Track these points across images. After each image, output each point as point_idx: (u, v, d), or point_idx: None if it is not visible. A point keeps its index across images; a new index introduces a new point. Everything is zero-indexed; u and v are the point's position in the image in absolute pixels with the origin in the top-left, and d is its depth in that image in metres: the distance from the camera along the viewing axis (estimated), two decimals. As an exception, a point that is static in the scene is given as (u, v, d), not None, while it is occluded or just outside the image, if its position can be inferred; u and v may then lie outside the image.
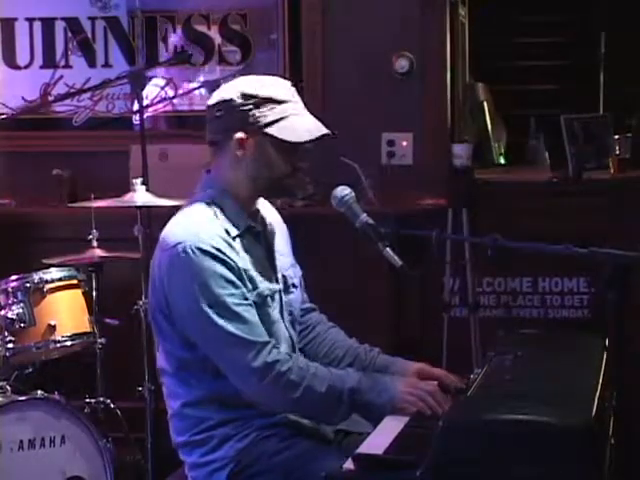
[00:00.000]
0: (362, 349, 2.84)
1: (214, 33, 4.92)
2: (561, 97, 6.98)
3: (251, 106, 2.60)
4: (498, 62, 7.14)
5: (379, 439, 2.36)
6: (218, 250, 2.57)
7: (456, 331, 4.58)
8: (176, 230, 2.63)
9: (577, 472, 2.02)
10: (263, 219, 2.78)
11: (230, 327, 2.53)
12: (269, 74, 2.73)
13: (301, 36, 4.84)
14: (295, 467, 2.54)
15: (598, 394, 2.22)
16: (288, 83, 2.69)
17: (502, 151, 5.79)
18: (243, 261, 2.62)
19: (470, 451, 2.06)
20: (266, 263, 2.73)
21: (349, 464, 2.21)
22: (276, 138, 2.60)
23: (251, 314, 2.58)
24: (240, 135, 2.61)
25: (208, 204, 2.67)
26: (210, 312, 2.53)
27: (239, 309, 2.55)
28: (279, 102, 2.61)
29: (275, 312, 2.69)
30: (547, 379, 2.35)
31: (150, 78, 4.89)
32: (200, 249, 2.55)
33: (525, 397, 2.20)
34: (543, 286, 4.74)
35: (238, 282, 2.58)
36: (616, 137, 4.96)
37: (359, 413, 2.61)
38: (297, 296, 2.84)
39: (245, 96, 2.61)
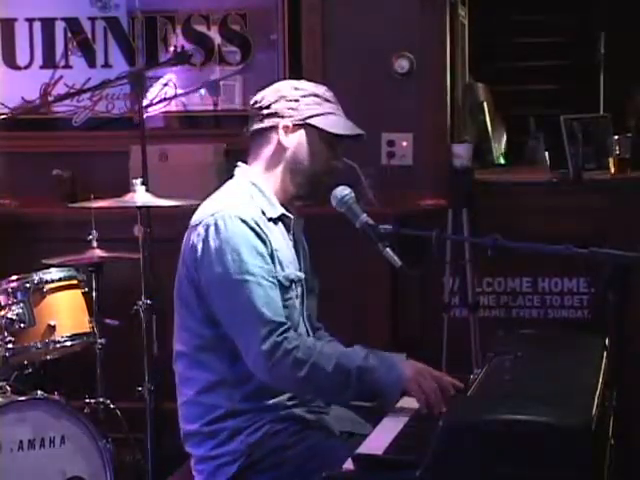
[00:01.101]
0: None
1: (214, 33, 4.92)
2: (561, 97, 6.98)
3: (299, 97, 2.72)
4: (498, 62, 7.15)
5: (379, 439, 2.36)
6: (256, 223, 2.62)
7: (456, 331, 4.58)
8: (213, 204, 2.70)
9: (577, 472, 2.02)
10: (295, 218, 2.82)
11: (253, 298, 2.56)
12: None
13: (301, 36, 4.84)
14: (305, 461, 2.55)
15: (598, 394, 2.22)
16: (330, 92, 2.81)
17: (502, 151, 5.79)
18: (275, 243, 2.67)
19: (470, 451, 2.06)
20: (294, 253, 2.78)
21: (349, 464, 2.21)
22: (320, 129, 2.71)
23: (275, 293, 2.61)
24: (286, 122, 2.71)
25: (245, 188, 2.73)
26: (239, 279, 2.57)
27: (265, 283, 2.59)
28: (324, 99, 2.74)
29: (298, 301, 2.73)
30: (547, 379, 2.35)
31: (150, 78, 4.89)
32: (239, 217, 2.61)
33: (525, 397, 2.20)
34: (543, 286, 4.74)
35: (269, 258, 2.63)
36: (616, 137, 4.96)
37: (367, 392, 2.60)
38: (314, 304, 2.88)
39: (295, 88, 2.73)
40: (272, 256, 2.64)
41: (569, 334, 3.26)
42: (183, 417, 2.74)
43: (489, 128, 5.61)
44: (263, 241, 2.62)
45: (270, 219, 2.70)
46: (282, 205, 2.75)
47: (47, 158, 4.95)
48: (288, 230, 2.77)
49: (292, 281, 2.70)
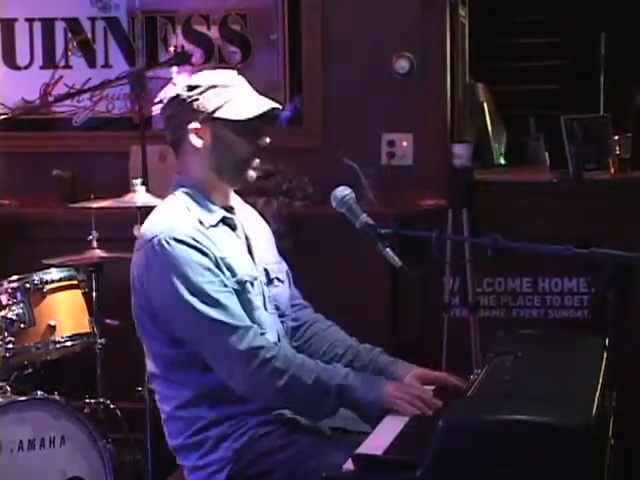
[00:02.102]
0: (363, 348, 2.83)
1: (214, 33, 4.92)
2: (561, 97, 6.98)
3: (197, 95, 2.66)
4: (498, 62, 7.15)
5: (379, 439, 2.36)
6: (193, 239, 2.59)
7: (456, 331, 4.57)
8: (150, 227, 2.68)
9: (577, 472, 2.02)
10: (240, 213, 2.79)
11: (213, 313, 2.55)
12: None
13: (301, 36, 4.84)
14: (297, 465, 2.53)
15: (598, 394, 2.22)
16: (234, 72, 2.74)
17: (502, 151, 5.79)
18: (220, 250, 2.63)
19: (470, 451, 2.06)
20: (245, 253, 2.74)
21: (349, 464, 2.21)
22: (227, 120, 2.64)
23: (231, 301, 2.59)
24: (194, 125, 2.66)
25: (180, 200, 2.70)
26: (191, 301, 2.55)
27: (219, 296, 2.57)
28: (223, 87, 2.67)
29: (257, 299, 2.70)
30: (547, 379, 2.35)
31: (150, 79, 4.88)
32: (175, 239, 2.58)
33: (525, 397, 2.20)
34: (543, 286, 4.74)
35: (216, 270, 2.60)
36: (616, 137, 4.96)
37: (347, 409, 2.61)
38: (284, 291, 2.84)
39: (189, 88, 2.67)
40: (218, 265, 2.61)
41: (569, 334, 3.26)
42: (167, 433, 2.73)
43: (489, 128, 5.61)
44: (205, 254, 2.59)
45: (210, 227, 2.66)
46: (223, 206, 2.71)
47: (47, 158, 4.95)
48: (234, 231, 2.73)
49: (245, 282, 2.66)
